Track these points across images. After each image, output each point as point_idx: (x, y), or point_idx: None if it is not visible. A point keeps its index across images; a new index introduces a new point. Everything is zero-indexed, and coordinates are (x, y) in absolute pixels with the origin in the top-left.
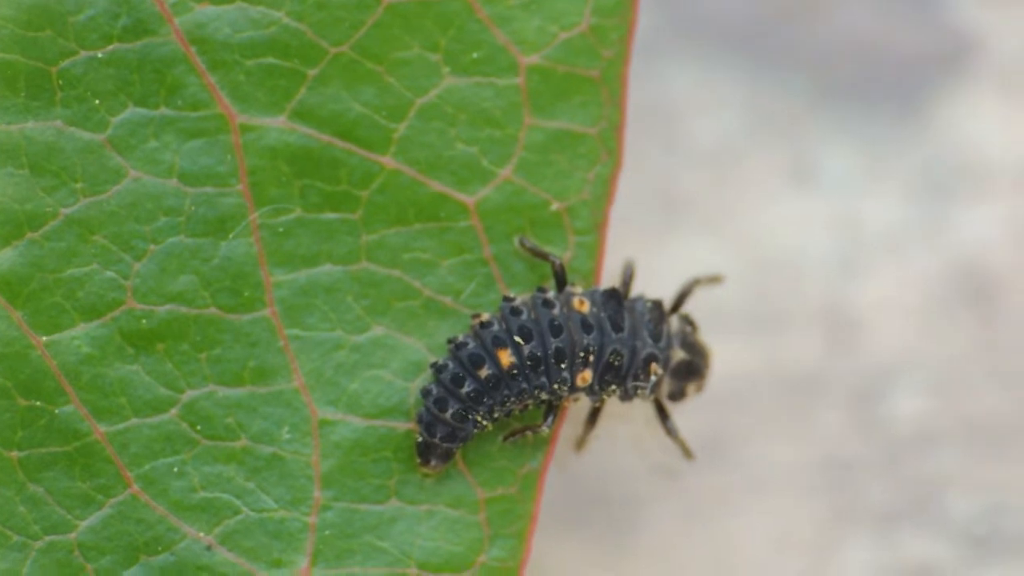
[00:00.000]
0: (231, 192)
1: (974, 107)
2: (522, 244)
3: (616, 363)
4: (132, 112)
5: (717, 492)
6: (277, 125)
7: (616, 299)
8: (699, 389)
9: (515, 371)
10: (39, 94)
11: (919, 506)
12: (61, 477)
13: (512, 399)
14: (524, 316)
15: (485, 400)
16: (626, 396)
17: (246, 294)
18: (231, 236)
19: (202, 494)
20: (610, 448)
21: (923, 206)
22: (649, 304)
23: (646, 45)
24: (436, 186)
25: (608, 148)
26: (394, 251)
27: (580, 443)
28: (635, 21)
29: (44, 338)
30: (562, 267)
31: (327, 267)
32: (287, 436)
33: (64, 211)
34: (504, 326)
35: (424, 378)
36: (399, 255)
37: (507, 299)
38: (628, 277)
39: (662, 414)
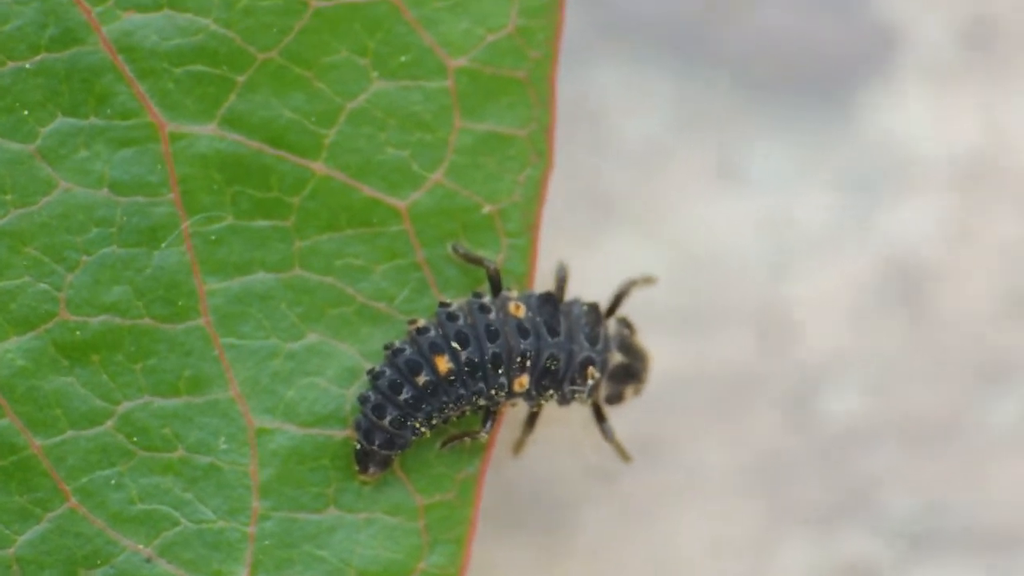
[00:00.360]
0: (162, 201)
1: (900, 102)
2: (455, 250)
3: (553, 367)
4: (61, 122)
5: (653, 493)
6: (207, 133)
7: (552, 303)
8: (637, 392)
9: (453, 377)
10: None
11: (856, 505)
12: None
13: (450, 405)
14: (460, 321)
15: (423, 406)
16: (564, 400)
17: (180, 303)
18: (163, 245)
19: (140, 506)
20: (545, 451)
21: (853, 203)
22: (585, 307)
23: (572, 46)
24: (367, 191)
25: (538, 150)
26: (327, 257)
27: (518, 446)
28: (562, 22)
29: None
30: (497, 272)
31: (260, 275)
32: (224, 446)
33: None
34: (441, 332)
35: (360, 385)
36: (332, 261)
37: (443, 304)
38: (562, 280)
39: (599, 417)
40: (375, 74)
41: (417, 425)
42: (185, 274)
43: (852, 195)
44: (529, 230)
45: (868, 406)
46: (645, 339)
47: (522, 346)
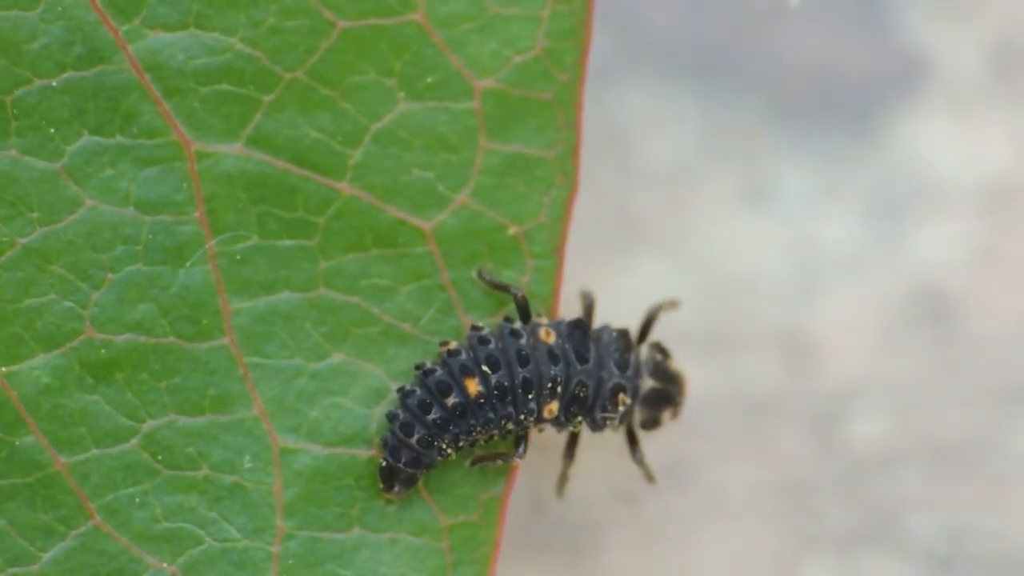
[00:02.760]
0: (188, 220)
1: (927, 126)
2: (480, 277)
3: (582, 394)
4: (87, 140)
5: (678, 516)
6: (233, 152)
7: (582, 330)
8: (675, 416)
9: (482, 400)
10: None
11: (880, 528)
12: (23, 509)
13: (478, 428)
14: (492, 346)
15: (451, 428)
16: (596, 427)
17: (205, 322)
18: (189, 264)
19: (164, 524)
20: (572, 473)
21: (879, 226)
22: (615, 334)
23: (600, 67)
24: (393, 212)
25: (564, 171)
26: (352, 277)
27: (561, 481)
28: (589, 44)
29: (3, 369)
30: (525, 299)
31: (285, 294)
32: (248, 465)
33: (21, 241)
34: (472, 355)
35: (387, 404)
36: (357, 281)
37: (475, 328)
38: (588, 306)
39: (631, 440)
40: (401, 95)
41: (444, 446)
42: (210, 293)
43: (879, 218)
44: (554, 252)
45: (893, 429)
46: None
47: (552, 372)
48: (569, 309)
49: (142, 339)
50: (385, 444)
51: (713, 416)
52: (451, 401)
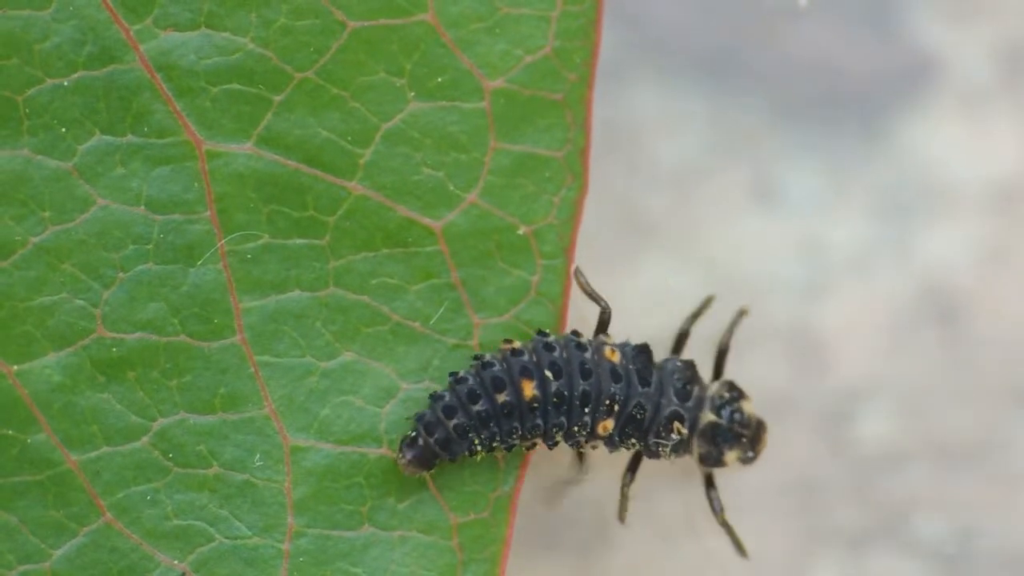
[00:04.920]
0: (199, 219)
1: (936, 126)
2: (577, 278)
3: (639, 416)
4: (99, 140)
5: (688, 515)
6: (244, 151)
7: (646, 354)
8: (745, 461)
9: (535, 404)
10: (5, 123)
11: (889, 527)
12: (34, 506)
13: (521, 432)
14: (556, 353)
15: (491, 425)
16: (650, 452)
17: (215, 321)
18: (199, 263)
19: (175, 522)
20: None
21: (887, 226)
22: (680, 364)
23: (607, 67)
24: (403, 211)
25: (574, 171)
26: (362, 276)
27: (622, 505)
28: (598, 44)
29: (15, 367)
30: (608, 315)
31: (295, 293)
32: (259, 463)
33: (33, 240)
34: (534, 358)
35: (398, 402)
36: (367, 280)
37: (541, 333)
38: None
39: (708, 485)
40: (411, 94)
41: (476, 442)
42: (221, 292)
43: (887, 218)
44: (564, 252)
45: (901, 428)
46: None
47: (612, 389)
48: (578, 309)
49: (153, 338)
50: (421, 418)
51: None
52: (502, 398)
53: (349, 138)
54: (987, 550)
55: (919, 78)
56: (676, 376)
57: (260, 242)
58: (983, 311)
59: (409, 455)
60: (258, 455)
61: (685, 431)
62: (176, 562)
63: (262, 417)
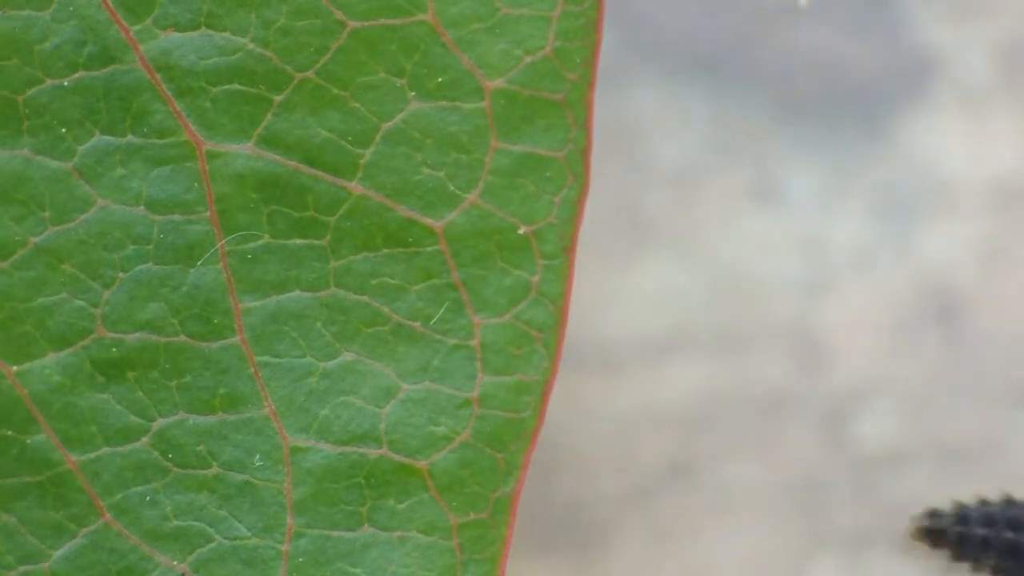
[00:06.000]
0: (199, 219)
1: (936, 125)
2: None
3: None
4: (99, 140)
5: (687, 514)
6: (244, 152)
7: None
8: None
9: None
10: (6, 123)
11: (890, 526)
12: (34, 507)
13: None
14: None
15: (988, 552)
16: None
17: (215, 321)
18: (199, 263)
19: (175, 522)
20: (581, 471)
21: (888, 225)
22: None
23: (608, 67)
24: (403, 211)
25: (575, 171)
26: (363, 277)
27: None
28: (599, 43)
29: (14, 367)
30: None
31: (296, 293)
32: (259, 463)
33: (33, 240)
34: None
35: (397, 402)
36: (367, 281)
37: None
38: None
39: None
40: (412, 95)
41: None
42: (221, 292)
43: (888, 217)
44: (565, 252)
45: (902, 427)
46: (681, 360)
47: None
48: (579, 308)
49: (153, 338)
50: (963, 518)
51: (723, 415)
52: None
53: (349, 138)
54: None
55: (920, 77)
56: None
57: (260, 242)
58: (984, 309)
59: (925, 539)
60: (258, 455)
61: None
62: (175, 563)
63: (262, 417)
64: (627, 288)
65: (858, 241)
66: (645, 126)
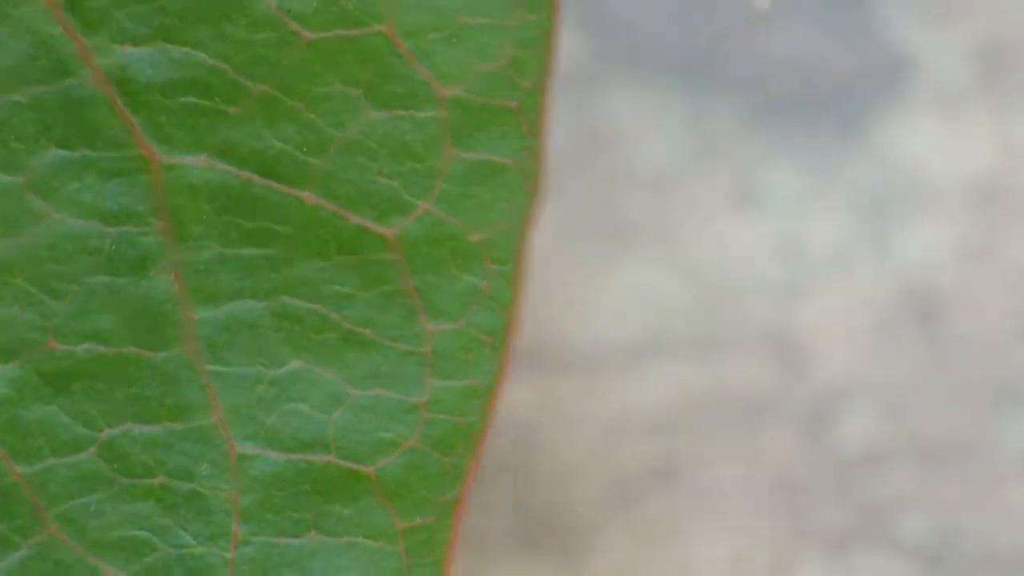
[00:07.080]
0: (151, 231)
1: (913, 126)
2: None
3: None
4: (54, 154)
5: (669, 517)
6: (198, 163)
7: None
8: None
9: None
10: None
11: (871, 527)
12: None
13: None
14: None
15: None
16: None
17: (166, 332)
18: (151, 274)
19: (120, 532)
20: (562, 475)
21: (867, 226)
22: None
23: (584, 73)
24: (356, 220)
25: (528, 178)
26: (315, 285)
27: None
28: (554, 51)
29: None
30: None
31: (248, 303)
32: (205, 472)
33: None
34: None
35: (345, 409)
36: (320, 289)
37: None
38: None
39: None
40: (367, 105)
41: None
42: (172, 303)
43: (866, 218)
44: (514, 258)
45: (883, 428)
46: (661, 363)
47: None
48: (537, 314)
49: (101, 349)
50: None
51: (704, 417)
52: None
53: (304, 149)
54: (968, 549)
55: (896, 78)
56: None
57: (213, 252)
58: (963, 309)
59: None
60: (205, 464)
61: None
62: (121, 573)
63: (210, 426)
64: (606, 292)
65: (836, 242)
66: (622, 131)
